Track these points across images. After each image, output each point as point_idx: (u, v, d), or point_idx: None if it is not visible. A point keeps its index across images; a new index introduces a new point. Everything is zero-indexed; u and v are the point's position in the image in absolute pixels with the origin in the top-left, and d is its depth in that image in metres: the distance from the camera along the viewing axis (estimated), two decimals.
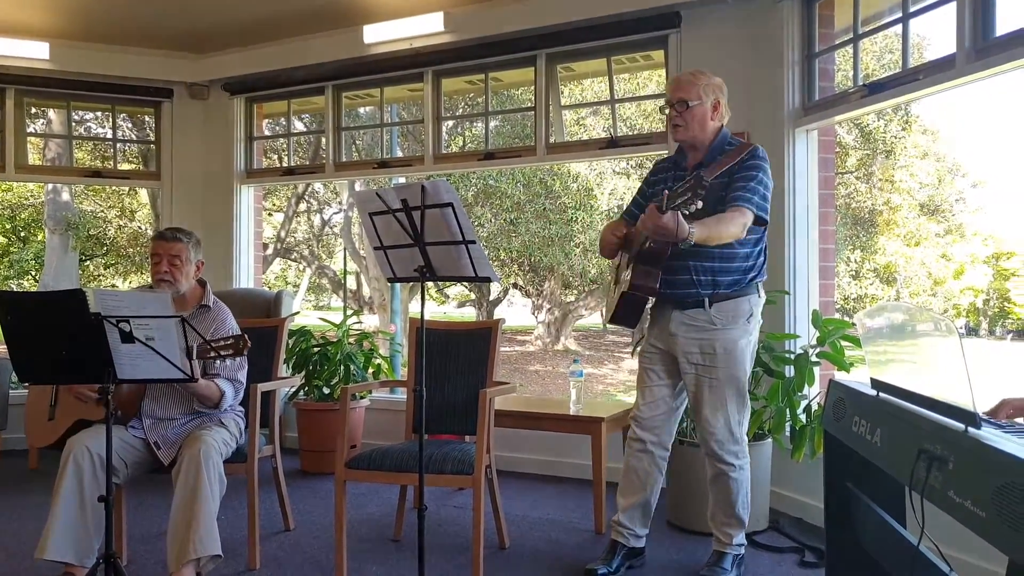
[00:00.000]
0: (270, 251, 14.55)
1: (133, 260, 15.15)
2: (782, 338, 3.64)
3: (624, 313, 2.90)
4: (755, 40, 4.00)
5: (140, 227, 15.02)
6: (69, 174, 7.00)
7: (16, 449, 5.04)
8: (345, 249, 14.82)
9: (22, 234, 16.52)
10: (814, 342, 3.42)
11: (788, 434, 3.41)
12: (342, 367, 4.72)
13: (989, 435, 1.36)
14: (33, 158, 9.42)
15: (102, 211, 14.93)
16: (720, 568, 2.85)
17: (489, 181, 12.76)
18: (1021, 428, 1.62)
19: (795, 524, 3.53)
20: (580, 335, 18.81)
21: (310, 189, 15.21)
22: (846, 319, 3.60)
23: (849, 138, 13.78)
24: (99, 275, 16.34)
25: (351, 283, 16.47)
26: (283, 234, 15.14)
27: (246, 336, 2.64)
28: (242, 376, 2.99)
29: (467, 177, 12.66)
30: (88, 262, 15.92)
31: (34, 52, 5.19)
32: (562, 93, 5.13)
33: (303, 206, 15.88)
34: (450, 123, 13.07)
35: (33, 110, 10.61)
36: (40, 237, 15.30)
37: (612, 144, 4.65)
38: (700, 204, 2.39)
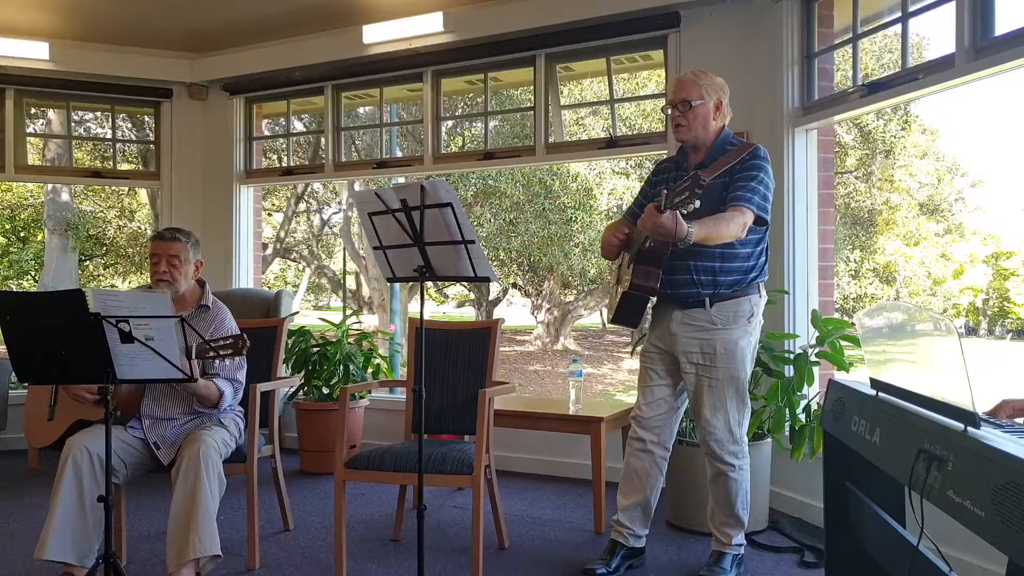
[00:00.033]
0: (269, 251, 14.55)
1: (133, 260, 15.16)
2: (781, 338, 3.64)
3: (625, 313, 2.90)
4: (754, 40, 4.00)
5: (140, 227, 15.03)
6: (69, 174, 7.01)
7: (16, 449, 5.04)
8: (344, 249, 14.82)
9: (22, 234, 16.53)
10: (813, 342, 3.42)
11: (787, 434, 3.41)
12: (341, 367, 4.71)
13: (988, 435, 1.36)
14: (33, 158, 9.43)
15: (102, 211, 14.94)
16: (720, 568, 2.85)
17: (488, 181, 12.76)
18: (1020, 428, 1.62)
19: (795, 524, 3.53)
20: (579, 335, 18.83)
21: (309, 189, 15.21)
22: (845, 319, 3.60)
23: (848, 138, 13.79)
24: (99, 275, 16.35)
25: (350, 283, 16.47)
26: (282, 234, 15.14)
27: (245, 336, 2.64)
28: (241, 376, 2.99)
29: (466, 177, 12.67)
30: (88, 262, 15.93)
31: (34, 52, 5.19)
32: (561, 93, 5.13)
33: (302, 206, 15.89)
34: (449, 123, 13.09)
35: (33, 110, 10.61)
36: (40, 237, 15.30)
37: (611, 144, 4.65)
38: (697, 203, 2.39)
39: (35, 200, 14.89)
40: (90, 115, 12.33)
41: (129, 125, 12.10)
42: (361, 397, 4.82)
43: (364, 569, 3.03)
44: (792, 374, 3.43)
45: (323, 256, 17.97)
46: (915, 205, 16.40)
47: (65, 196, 12.59)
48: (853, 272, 15.37)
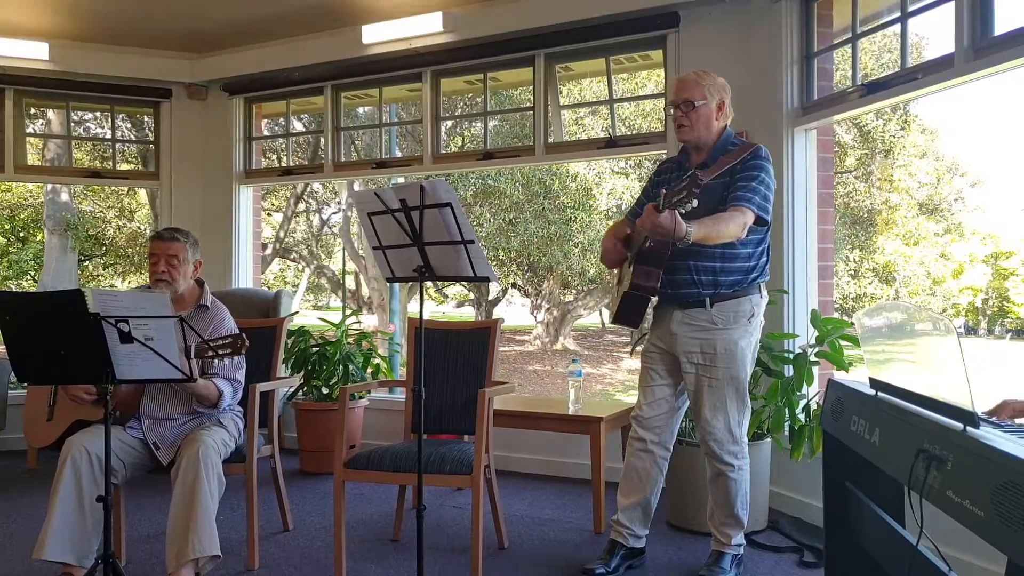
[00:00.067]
0: (269, 251, 14.54)
1: (132, 260, 15.15)
2: (781, 337, 3.64)
3: (626, 313, 2.89)
4: (754, 40, 4.00)
5: (139, 227, 15.02)
6: (68, 174, 7.00)
7: (15, 449, 5.04)
8: (344, 249, 14.82)
9: (21, 234, 16.52)
10: (813, 341, 3.42)
11: (787, 434, 3.41)
12: (341, 367, 4.71)
13: (988, 435, 1.36)
14: (32, 158, 9.42)
15: (101, 211, 14.93)
16: (719, 568, 2.85)
17: (488, 181, 12.76)
18: (1020, 428, 1.62)
19: (794, 524, 3.53)
20: (579, 335, 18.83)
21: (309, 189, 15.21)
22: (845, 319, 3.60)
23: (848, 137, 13.79)
24: (98, 275, 16.35)
25: (350, 283, 16.47)
26: (282, 234, 15.14)
27: (244, 336, 2.64)
28: (240, 376, 2.99)
29: (466, 177, 12.66)
30: (87, 262, 15.93)
31: (33, 52, 5.19)
32: (561, 93, 5.13)
33: (302, 206, 15.89)
34: (449, 123, 13.07)
35: (32, 110, 10.61)
36: (39, 237, 15.29)
37: (611, 144, 4.65)
38: (695, 203, 2.39)
39: (35, 200, 14.89)
40: (89, 115, 12.32)
41: (128, 125, 12.09)
42: (360, 397, 4.82)
43: (364, 569, 3.03)
44: (792, 374, 3.43)
45: (322, 256, 17.96)
46: (914, 205, 16.41)
47: (65, 196, 12.59)
48: (852, 272, 15.38)
